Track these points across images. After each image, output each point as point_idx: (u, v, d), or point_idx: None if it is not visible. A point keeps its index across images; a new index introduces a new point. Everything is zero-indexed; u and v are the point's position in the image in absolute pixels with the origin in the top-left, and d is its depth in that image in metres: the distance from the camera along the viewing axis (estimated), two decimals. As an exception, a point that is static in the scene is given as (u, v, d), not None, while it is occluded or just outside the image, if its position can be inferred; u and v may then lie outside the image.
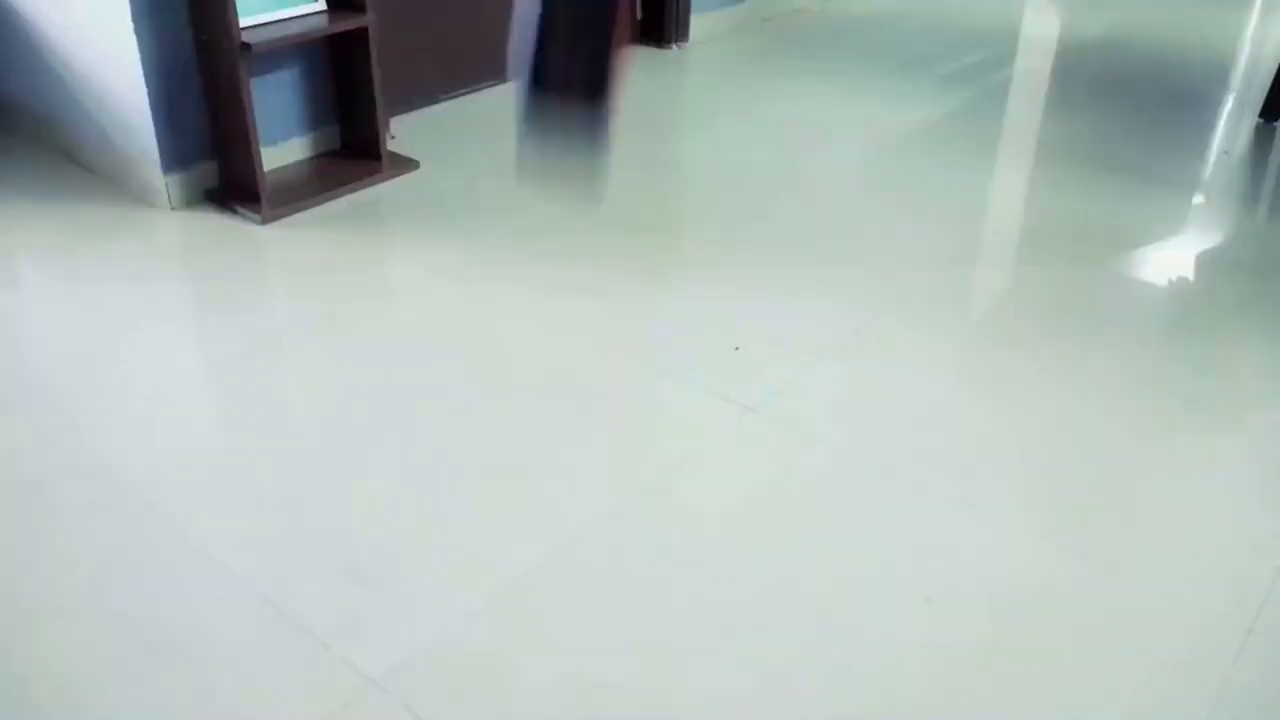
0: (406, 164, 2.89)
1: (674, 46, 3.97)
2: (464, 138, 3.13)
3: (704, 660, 1.46)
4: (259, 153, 2.57)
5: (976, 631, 1.51)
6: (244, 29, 2.47)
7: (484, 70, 3.50)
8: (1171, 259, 2.63)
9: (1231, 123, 3.48)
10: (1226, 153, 3.25)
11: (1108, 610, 1.55)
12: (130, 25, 2.43)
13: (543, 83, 1.19)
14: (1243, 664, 1.46)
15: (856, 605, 1.55)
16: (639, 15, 3.95)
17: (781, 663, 1.45)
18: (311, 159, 2.90)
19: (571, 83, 1.20)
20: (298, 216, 2.64)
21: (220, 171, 2.69)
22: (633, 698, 1.40)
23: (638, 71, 3.79)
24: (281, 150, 2.83)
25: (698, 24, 4.00)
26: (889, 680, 1.43)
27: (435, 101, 3.36)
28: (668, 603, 1.55)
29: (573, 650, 1.47)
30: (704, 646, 1.48)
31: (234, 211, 2.63)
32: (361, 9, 2.66)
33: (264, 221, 2.59)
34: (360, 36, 2.72)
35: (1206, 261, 2.62)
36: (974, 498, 1.76)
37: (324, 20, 2.66)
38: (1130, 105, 3.58)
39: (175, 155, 2.62)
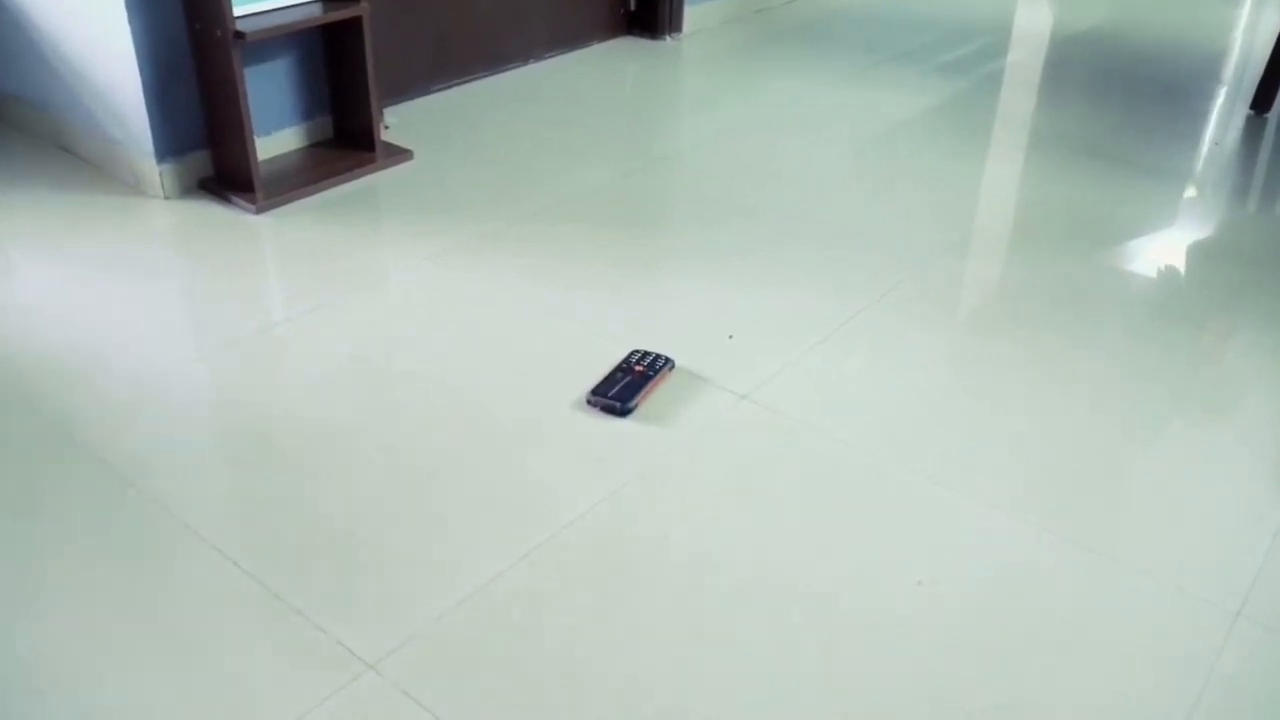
0: (400, 154, 2.90)
1: (668, 37, 3.97)
2: (458, 128, 3.13)
3: (696, 643, 1.47)
4: (253, 142, 2.57)
5: (966, 615, 1.52)
6: (238, 18, 2.47)
7: (478, 61, 3.50)
8: (1162, 249, 2.65)
9: (1222, 114, 3.50)
10: (1217, 144, 3.26)
11: (1096, 594, 1.57)
12: (124, 13, 2.43)
13: None
14: (1231, 647, 1.47)
15: (846, 588, 1.56)
16: (633, 6, 3.96)
17: (772, 644, 1.46)
18: (305, 148, 2.90)
19: None
20: (291, 206, 2.64)
21: (214, 161, 2.69)
22: (626, 680, 1.41)
23: (631, 63, 3.80)
24: (275, 140, 2.83)
25: (691, 15, 4.01)
26: (878, 662, 1.44)
27: (429, 92, 3.37)
28: (660, 587, 1.56)
29: (567, 633, 1.48)
30: (695, 630, 1.49)
31: (228, 201, 2.63)
32: (355, -2, 2.67)
33: (258, 211, 2.59)
34: (354, 26, 2.72)
35: (1197, 252, 2.64)
36: (964, 484, 1.77)
37: (318, 9, 2.66)
38: (1122, 97, 3.59)
39: (168, 144, 2.62)
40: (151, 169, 2.62)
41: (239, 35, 2.44)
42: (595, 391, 1.92)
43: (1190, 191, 2.95)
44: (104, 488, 1.71)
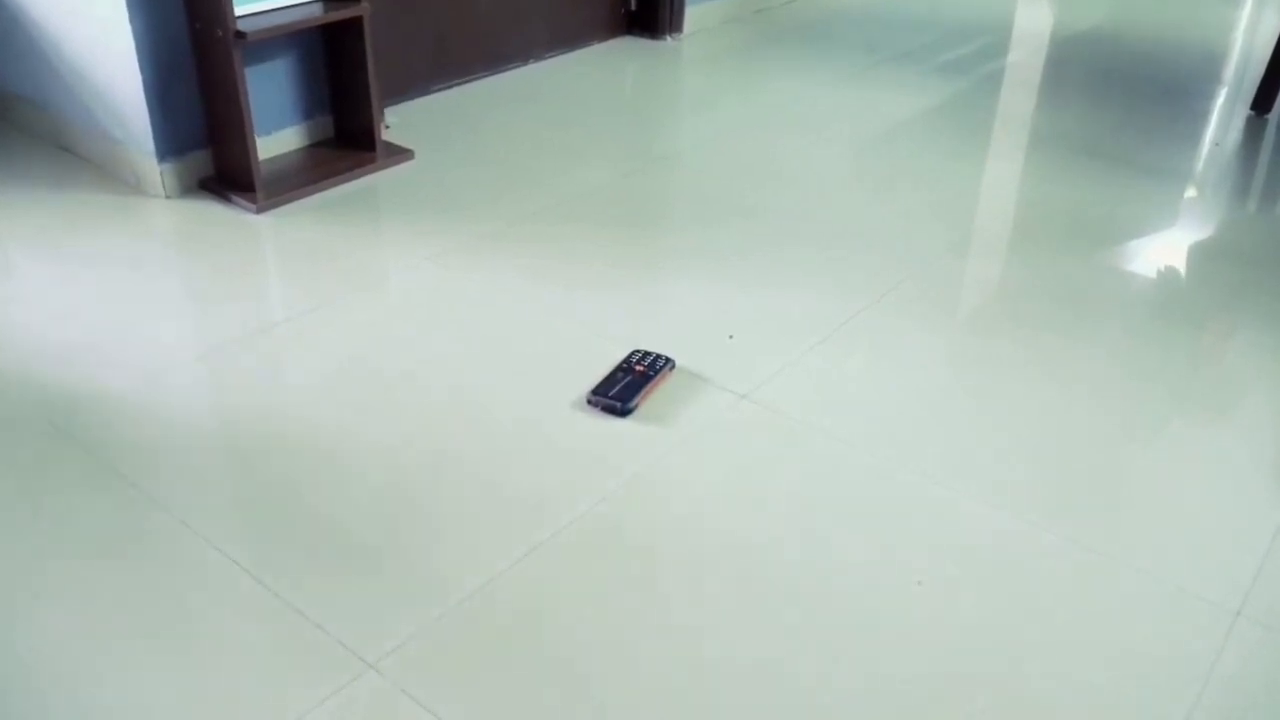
0: (401, 153, 2.90)
1: (668, 38, 3.97)
2: (459, 128, 3.13)
3: (694, 643, 1.47)
4: (254, 141, 2.57)
5: (966, 615, 1.52)
6: (239, 17, 2.47)
7: (478, 61, 3.50)
8: (1162, 249, 2.65)
9: (1223, 115, 3.50)
10: (1218, 144, 3.26)
11: (1096, 594, 1.57)
12: (125, 12, 2.43)
13: None
14: (1231, 647, 1.47)
15: (847, 589, 1.56)
16: (633, 6, 3.96)
17: (773, 643, 1.46)
18: (306, 148, 2.90)
19: None
20: (292, 205, 2.64)
21: (214, 160, 2.69)
22: (626, 679, 1.41)
23: (631, 62, 3.80)
24: (276, 139, 2.83)
25: (692, 15, 4.01)
26: (878, 663, 1.45)
27: (430, 92, 3.37)
28: (659, 587, 1.56)
29: (567, 632, 1.48)
30: (694, 630, 1.49)
31: (228, 200, 2.64)
32: (356, -2, 2.67)
33: (258, 210, 2.59)
34: (355, 26, 2.72)
35: (1197, 252, 2.64)
36: (964, 484, 1.77)
37: (319, 9, 2.66)
38: (1122, 97, 3.59)
39: (169, 144, 2.62)
40: (152, 168, 2.62)
41: (240, 35, 2.44)
42: (595, 391, 1.92)
43: (1190, 192, 2.95)
44: (104, 487, 1.71)
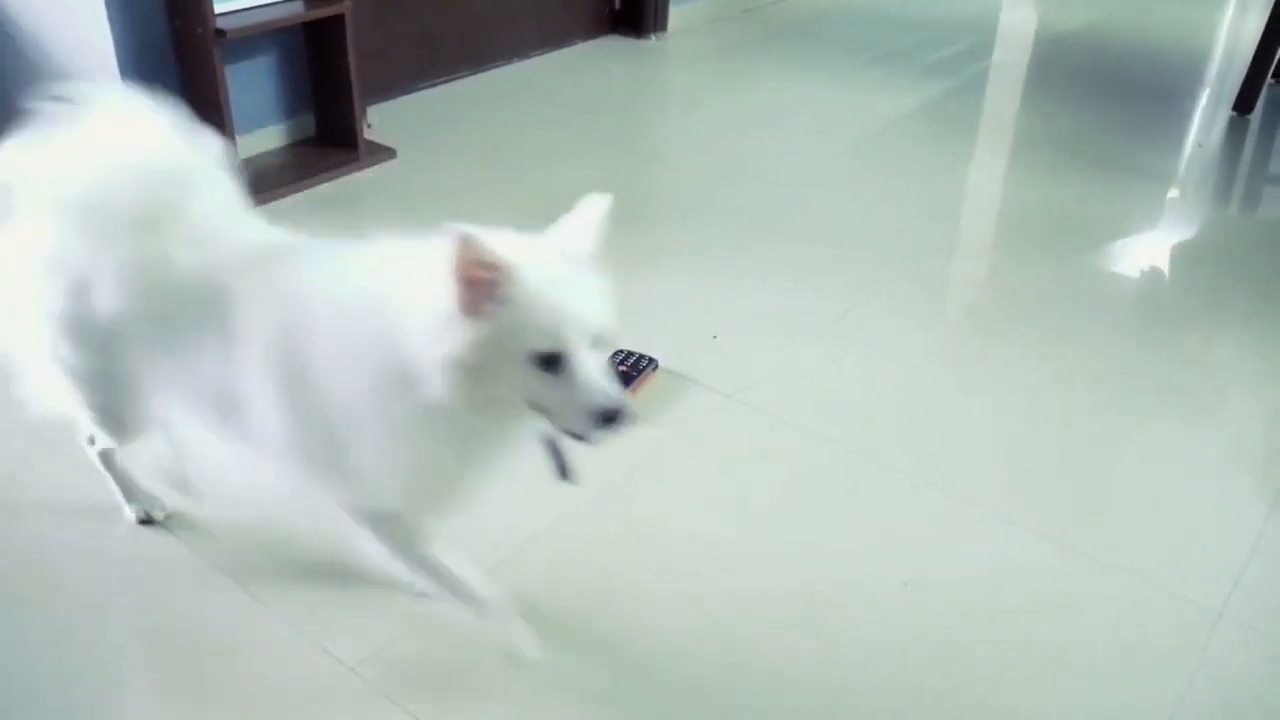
0: (383, 152, 2.88)
1: (652, 37, 3.96)
2: (441, 126, 3.12)
3: (679, 646, 1.46)
4: (234, 140, 2.55)
5: (952, 615, 1.52)
6: (219, 15, 2.45)
7: (463, 59, 3.49)
8: (1147, 249, 2.66)
9: (1206, 115, 3.51)
10: (1201, 145, 3.27)
11: (1080, 594, 1.56)
12: (104, 10, 2.40)
13: None
14: (1214, 647, 1.47)
15: (834, 590, 1.55)
16: (617, 5, 3.95)
17: (762, 646, 1.46)
18: (287, 147, 2.88)
19: None
20: (273, 205, 2.62)
21: (195, 159, 2.67)
22: (609, 688, 1.40)
23: (616, 62, 3.79)
24: (257, 138, 2.81)
25: (677, 14, 4.00)
26: (867, 663, 1.44)
27: (413, 90, 3.35)
28: (643, 590, 1.55)
29: (549, 635, 1.46)
30: (679, 633, 1.48)
31: (209, 199, 2.61)
32: (338, -4, 2.66)
33: (239, 209, 2.57)
34: (337, 24, 2.70)
35: (1180, 252, 2.65)
36: (950, 483, 1.76)
37: (301, 7, 2.65)
38: (1106, 98, 3.60)
39: (149, 142, 2.60)
40: (131, 167, 2.60)
41: (220, 33, 2.42)
42: None
43: (1174, 192, 2.96)
44: (92, 494, 1.69)
